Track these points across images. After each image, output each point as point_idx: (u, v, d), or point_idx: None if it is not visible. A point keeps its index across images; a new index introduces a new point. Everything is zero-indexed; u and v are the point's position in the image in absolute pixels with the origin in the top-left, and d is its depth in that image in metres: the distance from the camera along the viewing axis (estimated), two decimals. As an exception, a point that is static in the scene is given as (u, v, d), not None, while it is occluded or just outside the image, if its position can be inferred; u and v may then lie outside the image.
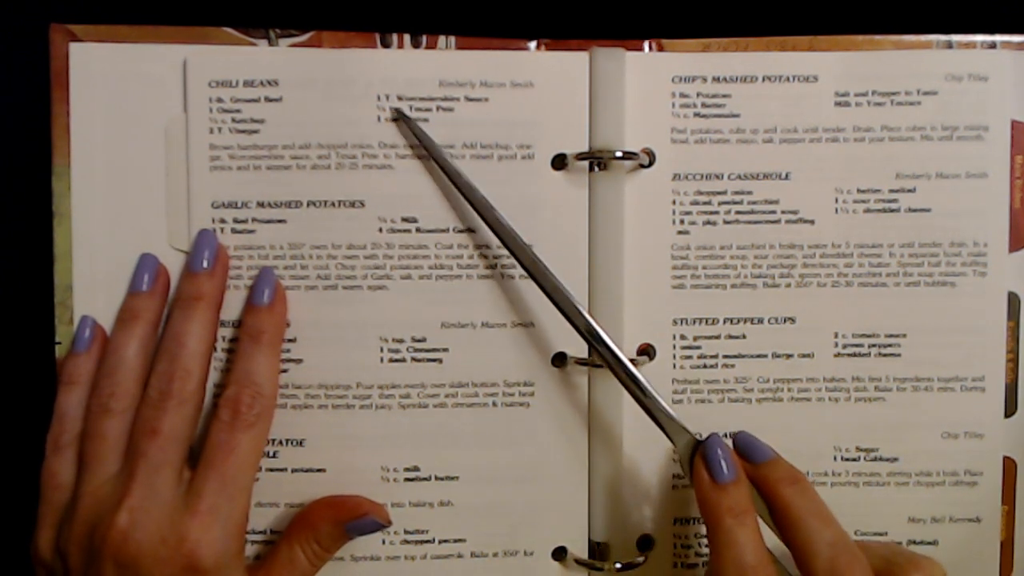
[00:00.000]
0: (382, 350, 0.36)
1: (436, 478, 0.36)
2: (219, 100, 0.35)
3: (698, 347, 0.37)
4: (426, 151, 0.35)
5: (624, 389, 0.34)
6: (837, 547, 0.30)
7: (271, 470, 0.36)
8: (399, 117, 0.35)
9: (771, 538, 0.31)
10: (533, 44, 0.36)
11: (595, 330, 0.34)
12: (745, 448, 0.33)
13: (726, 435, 0.37)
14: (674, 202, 0.37)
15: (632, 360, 0.36)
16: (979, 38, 0.37)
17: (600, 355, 0.34)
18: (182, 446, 0.33)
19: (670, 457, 0.37)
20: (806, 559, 0.30)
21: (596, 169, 0.36)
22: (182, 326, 0.34)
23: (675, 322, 0.37)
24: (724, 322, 0.37)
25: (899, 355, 0.37)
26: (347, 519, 0.34)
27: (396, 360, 0.36)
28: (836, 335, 0.37)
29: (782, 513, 0.31)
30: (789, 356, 0.37)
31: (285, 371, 0.36)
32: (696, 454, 0.33)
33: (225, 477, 0.32)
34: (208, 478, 0.32)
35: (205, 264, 0.35)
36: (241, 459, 0.33)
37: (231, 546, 0.32)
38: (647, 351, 0.37)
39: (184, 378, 0.33)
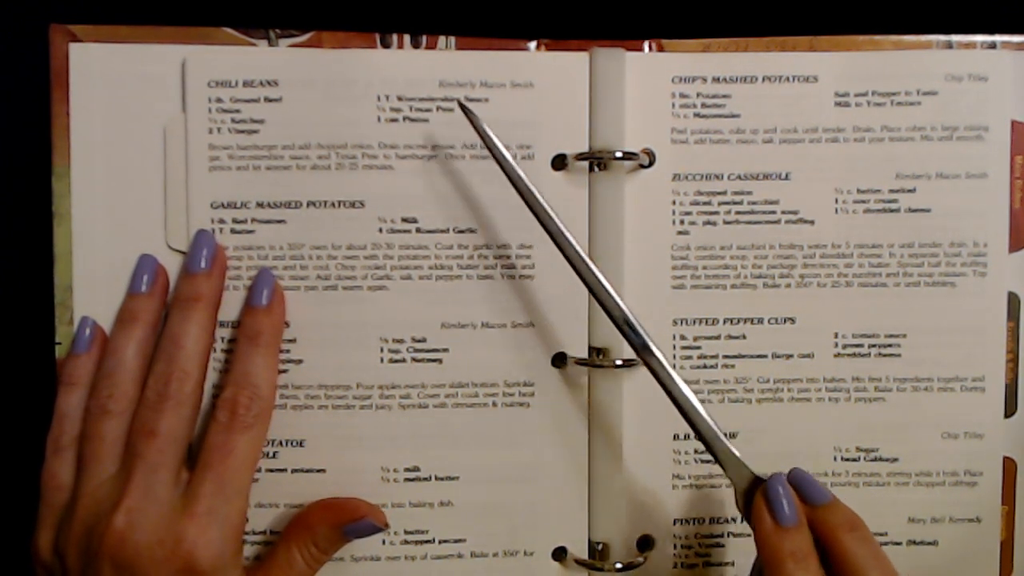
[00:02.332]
0: (382, 350, 0.36)
1: (436, 478, 0.36)
2: (218, 100, 0.35)
3: (698, 347, 0.36)
4: (489, 151, 0.34)
5: (676, 407, 0.32)
6: None
7: (271, 470, 0.35)
8: (464, 110, 0.34)
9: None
10: (533, 44, 0.36)
11: (659, 357, 0.32)
12: (801, 487, 0.32)
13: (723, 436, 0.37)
14: (674, 202, 0.36)
15: (632, 360, 0.35)
16: (979, 38, 0.36)
17: (661, 385, 0.32)
18: (180, 447, 0.33)
19: (670, 457, 0.37)
20: None
21: (596, 169, 0.36)
22: (180, 327, 0.33)
23: (675, 322, 0.36)
24: (724, 322, 0.36)
25: (899, 355, 0.37)
26: (345, 521, 0.34)
27: (396, 360, 0.36)
28: (836, 335, 0.37)
29: (840, 560, 0.30)
30: (789, 356, 0.37)
31: (285, 371, 0.35)
32: (757, 493, 0.31)
33: (223, 479, 0.32)
34: (205, 480, 0.32)
35: (203, 265, 0.34)
36: (239, 461, 0.32)
37: (228, 548, 0.32)
38: (647, 351, 0.36)
39: (182, 379, 0.33)
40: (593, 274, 0.33)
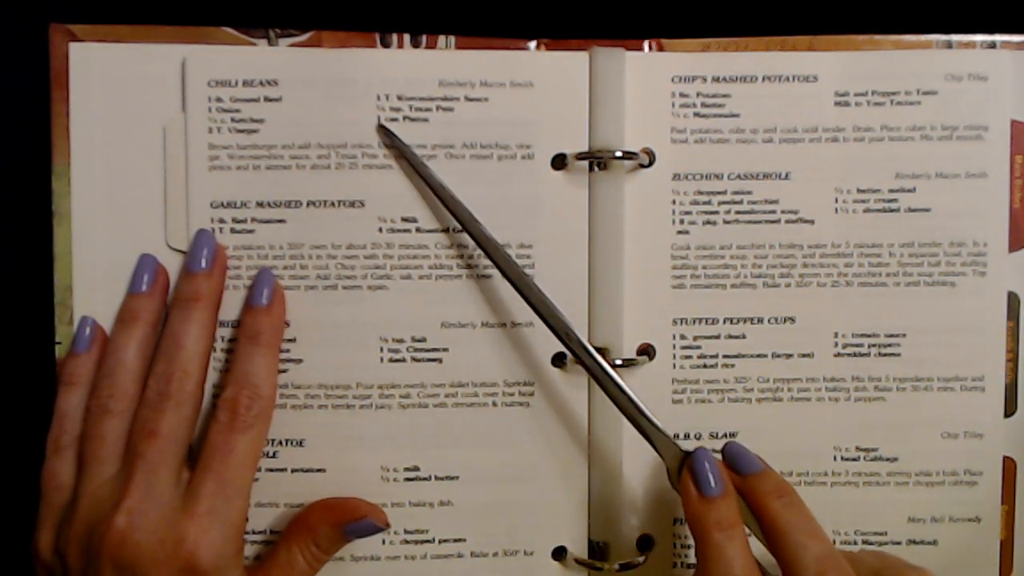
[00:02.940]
0: (382, 350, 0.36)
1: (436, 478, 0.36)
2: (218, 100, 0.35)
3: (698, 347, 0.36)
4: (410, 165, 0.35)
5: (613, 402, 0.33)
6: (825, 562, 0.29)
7: (271, 470, 0.35)
8: (382, 131, 0.35)
9: (759, 547, 0.31)
10: (533, 44, 0.36)
11: (594, 356, 0.33)
12: (733, 458, 0.32)
13: (723, 435, 0.37)
14: (674, 202, 0.36)
15: (632, 360, 0.35)
16: (979, 38, 0.36)
17: (590, 373, 0.33)
18: (180, 447, 0.33)
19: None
20: (793, 574, 0.29)
21: (596, 169, 0.36)
22: (180, 327, 0.33)
23: (675, 322, 0.36)
24: (724, 322, 0.36)
25: (899, 355, 0.36)
26: (345, 521, 0.34)
27: (396, 360, 0.36)
28: (836, 335, 0.36)
29: (770, 527, 0.31)
30: (789, 356, 0.36)
31: (285, 371, 0.35)
32: (683, 467, 0.32)
33: (223, 479, 0.32)
34: (206, 480, 0.32)
35: (203, 264, 0.34)
36: (239, 461, 0.32)
37: (229, 547, 0.32)
38: (647, 351, 0.36)
39: (182, 379, 0.33)
40: (510, 263, 0.34)
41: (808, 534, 0.30)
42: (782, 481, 0.32)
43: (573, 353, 0.33)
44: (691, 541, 0.36)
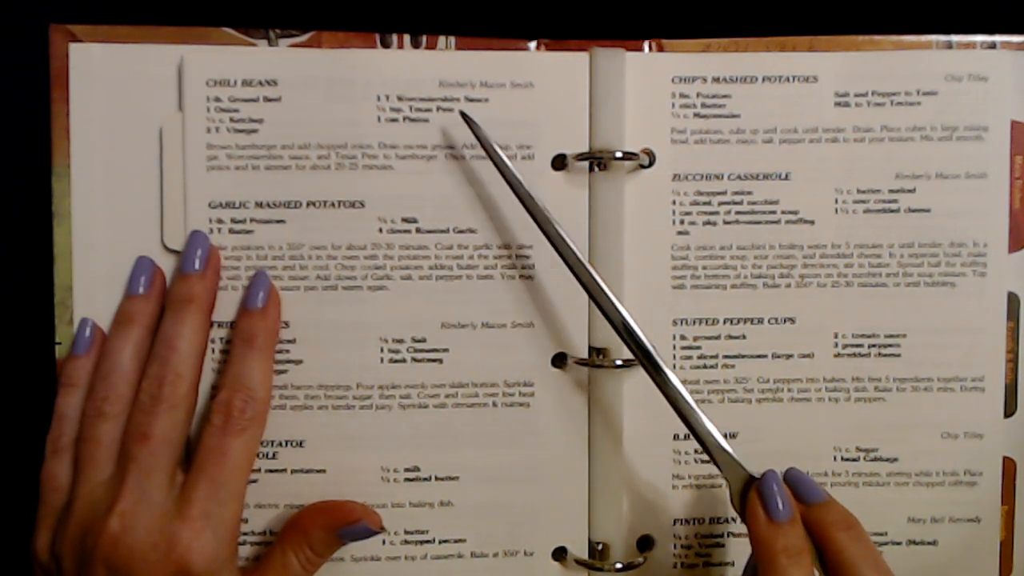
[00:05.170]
0: (382, 350, 0.35)
1: (436, 478, 0.35)
2: (217, 100, 0.34)
3: (698, 347, 0.36)
4: (490, 159, 0.33)
5: (673, 409, 0.32)
6: None
7: (270, 471, 0.34)
8: (465, 118, 0.34)
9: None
10: (533, 44, 0.35)
11: (656, 361, 0.32)
12: (797, 486, 0.31)
13: (723, 436, 0.36)
14: (674, 202, 0.35)
15: (633, 360, 0.35)
16: (979, 38, 0.36)
17: (657, 385, 0.32)
18: (173, 450, 0.32)
19: (670, 457, 0.36)
20: None
21: (596, 169, 0.35)
22: (173, 329, 0.32)
23: (675, 322, 0.36)
24: (724, 322, 0.36)
25: (899, 355, 0.36)
26: (339, 525, 0.33)
27: (396, 360, 0.35)
28: (836, 335, 0.36)
29: (835, 558, 0.30)
30: (789, 356, 0.36)
31: (285, 372, 0.34)
32: (751, 490, 0.31)
33: (217, 482, 0.31)
34: (199, 483, 0.31)
35: (196, 265, 0.33)
36: (233, 464, 0.31)
37: (223, 551, 0.31)
38: (647, 351, 0.36)
39: (175, 382, 0.32)
40: (593, 278, 0.32)
41: (874, 568, 0.29)
42: (847, 512, 0.31)
43: (646, 368, 0.32)
44: (691, 542, 0.36)
